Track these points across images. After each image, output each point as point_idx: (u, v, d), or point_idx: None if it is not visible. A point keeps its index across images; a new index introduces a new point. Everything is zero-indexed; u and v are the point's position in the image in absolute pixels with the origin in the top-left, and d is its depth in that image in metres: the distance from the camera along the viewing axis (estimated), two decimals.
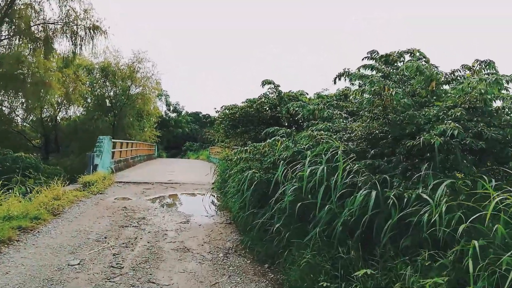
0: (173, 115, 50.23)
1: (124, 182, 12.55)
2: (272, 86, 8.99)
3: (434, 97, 5.20)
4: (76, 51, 19.96)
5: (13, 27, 18.70)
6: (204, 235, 6.12)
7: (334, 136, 4.91)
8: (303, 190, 4.16)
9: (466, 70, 5.49)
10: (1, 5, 17.85)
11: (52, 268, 4.31)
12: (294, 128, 8.47)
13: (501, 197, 2.77)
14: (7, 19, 18.13)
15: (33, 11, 18.53)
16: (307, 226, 4.23)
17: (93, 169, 13.02)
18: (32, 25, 18.83)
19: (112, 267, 4.45)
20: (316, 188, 4.06)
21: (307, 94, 9.89)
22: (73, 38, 19.46)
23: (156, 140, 34.38)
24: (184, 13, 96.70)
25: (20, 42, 19.22)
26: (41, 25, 19.11)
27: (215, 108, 10.92)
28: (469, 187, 3.35)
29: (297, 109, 6.70)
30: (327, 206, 3.91)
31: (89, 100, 30.63)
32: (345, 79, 6.77)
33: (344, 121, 6.09)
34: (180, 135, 47.21)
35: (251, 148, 6.10)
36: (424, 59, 6.05)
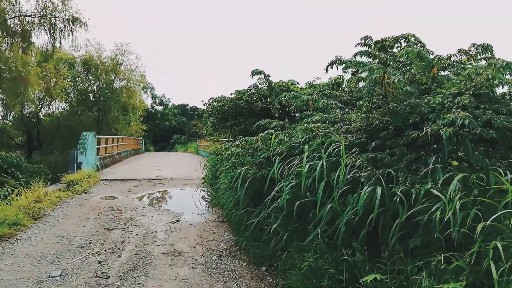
0: (160, 108, 49.39)
1: (110, 179, 12.11)
2: (262, 76, 8.62)
3: (435, 84, 4.95)
4: (56, 44, 19.11)
5: None
6: (195, 236, 5.80)
7: (332, 128, 4.62)
8: (301, 187, 3.87)
9: (463, 55, 5.27)
10: None
11: (31, 281, 3.94)
12: (286, 119, 8.16)
13: None
14: None
15: (7, 3, 17.60)
16: (307, 226, 3.96)
17: (77, 167, 12.51)
18: (8, 17, 17.92)
19: (97, 277, 4.10)
20: (316, 185, 3.78)
21: (298, 83, 9.56)
22: (52, 31, 18.60)
23: (142, 134, 33.67)
24: (184, 13, 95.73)
25: None
26: (17, 17, 18.21)
27: (202, 101, 10.51)
28: (483, 181, 3.10)
29: (289, 100, 6.38)
30: (329, 204, 3.63)
31: (72, 95, 29.72)
32: (337, 67, 6.48)
33: (340, 111, 5.80)
34: (167, 128, 46.46)
35: (242, 142, 5.77)
36: (419, 43, 5.80)
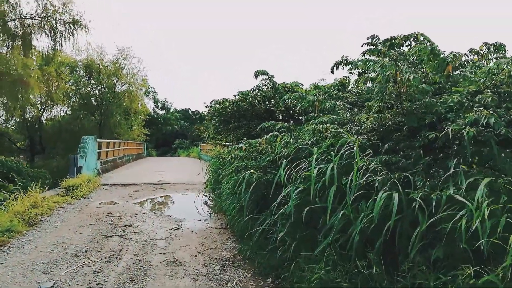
0: (162, 112, 49.23)
1: (110, 184, 11.86)
2: (266, 77, 8.36)
3: (449, 83, 4.68)
4: (56, 47, 18.97)
5: None
6: (197, 244, 5.52)
7: (341, 130, 4.35)
8: (310, 192, 3.59)
9: (474, 55, 5.04)
10: None
11: None
12: (291, 122, 7.89)
13: None
14: None
15: (7, 5, 17.48)
16: (316, 235, 3.68)
17: (77, 172, 12.27)
18: (8, 20, 17.80)
19: None
20: (326, 190, 3.51)
21: (302, 85, 9.31)
22: (53, 34, 18.46)
23: (145, 138, 33.47)
24: (186, 13, 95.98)
25: None
26: (18, 20, 18.08)
27: (204, 103, 10.23)
28: None
29: (295, 101, 6.13)
30: (341, 211, 3.35)
31: (73, 99, 29.55)
32: (343, 68, 6.24)
33: (348, 112, 5.54)
34: (170, 133, 46.26)
35: (246, 145, 5.51)
36: (429, 43, 5.54)
